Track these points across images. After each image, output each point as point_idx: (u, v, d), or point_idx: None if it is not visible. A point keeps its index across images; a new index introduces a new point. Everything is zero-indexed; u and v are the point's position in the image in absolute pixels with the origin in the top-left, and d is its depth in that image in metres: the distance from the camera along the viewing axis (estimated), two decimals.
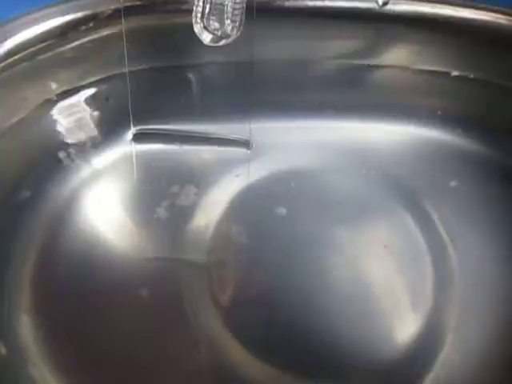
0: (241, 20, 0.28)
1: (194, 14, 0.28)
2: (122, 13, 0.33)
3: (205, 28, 0.28)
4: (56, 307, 0.37)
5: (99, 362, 0.36)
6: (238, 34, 0.29)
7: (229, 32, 0.28)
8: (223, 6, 0.27)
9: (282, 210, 0.41)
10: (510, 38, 0.36)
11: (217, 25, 0.28)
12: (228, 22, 0.27)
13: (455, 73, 0.40)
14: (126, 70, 0.37)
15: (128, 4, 0.34)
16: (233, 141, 0.42)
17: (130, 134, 0.41)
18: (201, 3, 0.27)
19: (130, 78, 0.37)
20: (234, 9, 0.27)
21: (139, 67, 0.38)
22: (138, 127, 0.41)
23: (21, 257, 0.37)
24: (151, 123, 0.41)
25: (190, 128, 0.42)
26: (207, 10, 0.27)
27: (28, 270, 0.37)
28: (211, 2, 0.27)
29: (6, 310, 0.36)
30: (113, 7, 0.34)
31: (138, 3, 0.34)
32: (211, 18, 0.28)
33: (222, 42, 0.28)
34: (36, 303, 0.36)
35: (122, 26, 0.34)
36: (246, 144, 0.41)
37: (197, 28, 0.28)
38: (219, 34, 0.28)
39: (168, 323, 0.37)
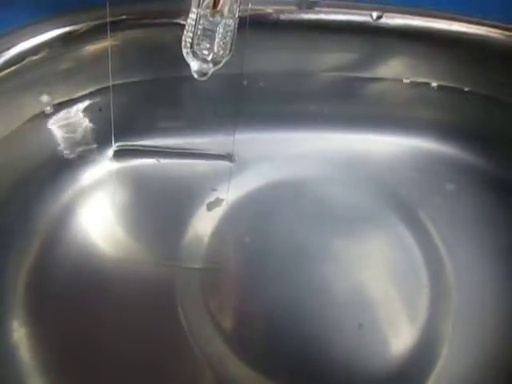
0: (231, 46, 0.27)
1: (183, 38, 0.27)
2: (108, 27, 0.33)
3: (194, 54, 0.27)
4: (51, 317, 0.37)
5: (94, 371, 0.36)
6: (228, 58, 0.28)
7: (219, 58, 0.27)
8: (213, 32, 0.27)
9: (277, 223, 0.41)
10: (502, 51, 0.36)
11: (207, 52, 0.27)
12: (219, 48, 0.27)
13: (449, 85, 0.40)
14: (120, 81, 0.37)
15: (114, 19, 0.33)
16: (220, 155, 0.41)
17: (111, 151, 0.40)
18: (191, 29, 0.27)
19: (121, 90, 0.37)
20: (225, 36, 0.26)
21: (127, 80, 0.38)
22: (121, 143, 0.40)
23: (15, 266, 0.37)
24: (138, 136, 0.41)
25: (177, 142, 0.41)
26: (197, 37, 0.27)
27: (23, 279, 0.37)
28: (202, 29, 0.27)
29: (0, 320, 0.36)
30: (100, 22, 0.33)
31: (124, 17, 0.34)
32: (201, 44, 0.27)
33: (211, 71, 0.28)
34: (30, 314, 0.36)
35: (108, 39, 0.33)
36: (228, 157, 0.41)
37: (186, 54, 0.28)
38: (209, 59, 0.27)
39: (164, 334, 0.37)
